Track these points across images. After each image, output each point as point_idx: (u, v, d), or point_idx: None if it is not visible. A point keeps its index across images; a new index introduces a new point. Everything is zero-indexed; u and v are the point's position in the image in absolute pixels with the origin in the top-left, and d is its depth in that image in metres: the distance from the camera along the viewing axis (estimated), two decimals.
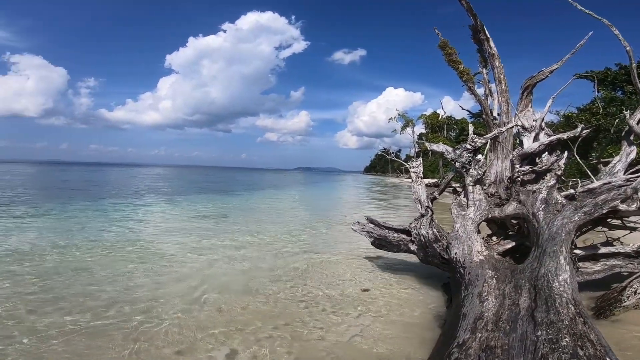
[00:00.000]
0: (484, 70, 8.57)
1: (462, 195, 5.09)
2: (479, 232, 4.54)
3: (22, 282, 4.65)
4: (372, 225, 5.65)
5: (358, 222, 5.94)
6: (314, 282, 5.04)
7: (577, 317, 2.43)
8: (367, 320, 3.74)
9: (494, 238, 5.02)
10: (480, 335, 2.44)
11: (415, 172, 5.40)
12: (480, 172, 4.96)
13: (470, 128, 5.83)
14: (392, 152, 66.49)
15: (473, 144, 5.06)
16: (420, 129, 70.59)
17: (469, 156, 5.02)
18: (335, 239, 8.46)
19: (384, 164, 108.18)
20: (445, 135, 61.37)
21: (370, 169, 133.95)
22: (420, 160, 5.71)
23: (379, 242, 5.55)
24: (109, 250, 6.59)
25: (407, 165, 6.16)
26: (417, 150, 67.72)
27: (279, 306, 4.10)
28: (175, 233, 8.67)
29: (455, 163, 5.16)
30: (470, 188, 4.88)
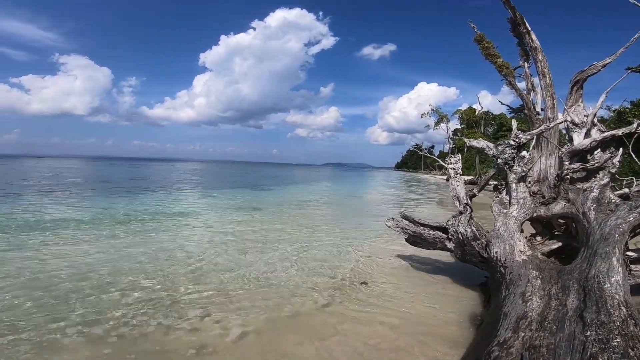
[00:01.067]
0: (526, 64, 8.16)
1: (504, 193, 4.94)
2: (521, 231, 4.39)
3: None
4: (406, 222, 5.62)
5: (392, 218, 5.93)
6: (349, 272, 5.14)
7: (628, 319, 2.34)
8: (397, 320, 3.71)
9: (538, 238, 4.83)
10: (523, 334, 2.42)
11: (454, 169, 5.30)
12: (525, 169, 4.78)
13: (514, 124, 5.60)
14: (425, 149, 64.80)
15: (517, 139, 4.87)
16: (455, 124, 68.07)
17: (512, 152, 4.85)
18: (366, 236, 8.51)
19: (415, 160, 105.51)
20: (482, 131, 58.59)
21: (402, 165, 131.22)
22: (459, 156, 5.58)
23: (414, 239, 5.52)
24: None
25: (444, 162, 6.06)
26: (451, 146, 65.37)
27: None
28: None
29: (497, 160, 5.01)
30: (513, 185, 4.72)
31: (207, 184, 26.64)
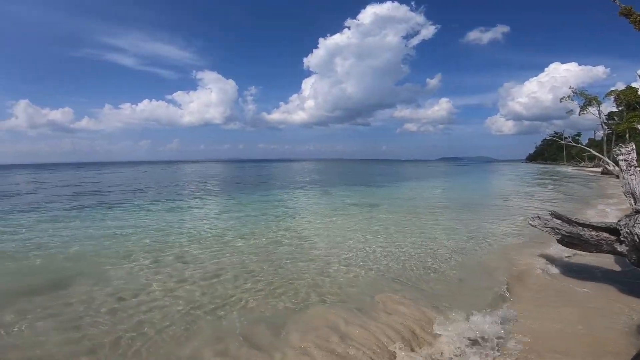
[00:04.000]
0: None
1: None
2: None
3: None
4: (558, 221, 5.07)
5: (538, 216, 5.41)
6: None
7: None
8: (553, 332, 3.43)
9: None
10: None
11: (626, 160, 4.51)
12: None
13: None
14: (568, 137, 53.59)
15: None
16: (608, 107, 54.24)
17: None
18: (505, 233, 7.87)
19: (555, 151, 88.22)
20: None
21: (536, 157, 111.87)
22: (632, 145, 4.71)
23: (569, 240, 4.94)
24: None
25: (596, 152, 5.18)
26: (606, 132, 52.41)
27: None
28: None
29: None
30: None
31: (326, 181, 28.57)
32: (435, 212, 11.19)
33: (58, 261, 5.98)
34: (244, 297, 4.33)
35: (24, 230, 8.49)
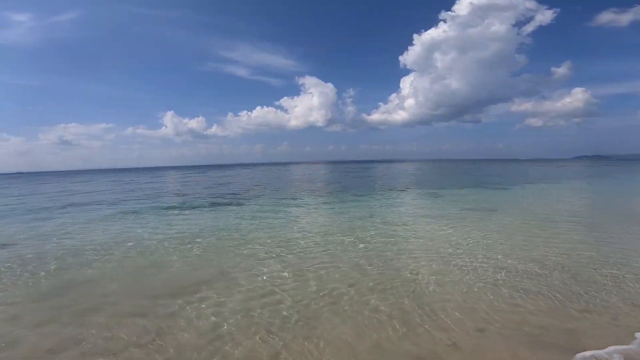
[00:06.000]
0: None
1: None
2: None
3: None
4: None
5: None
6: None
7: None
8: None
9: None
10: None
11: None
12: None
13: None
14: None
15: None
16: None
17: None
18: None
19: None
20: None
21: None
22: None
23: None
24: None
25: None
26: None
27: None
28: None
29: None
30: None
31: (433, 182, 27.29)
32: (577, 223, 9.65)
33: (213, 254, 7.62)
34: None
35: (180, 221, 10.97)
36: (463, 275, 5.43)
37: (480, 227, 8.82)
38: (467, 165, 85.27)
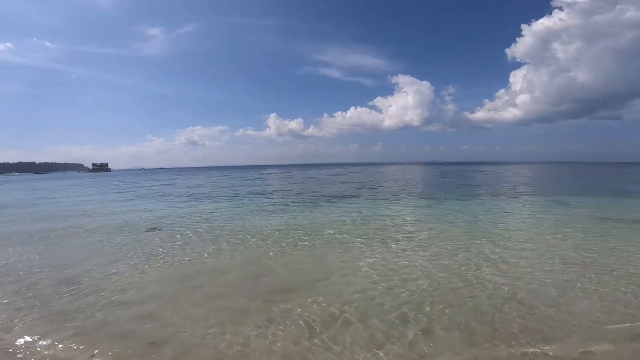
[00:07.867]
0: None
1: None
2: None
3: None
4: None
5: None
6: None
7: None
8: None
9: None
10: None
11: None
12: None
13: None
14: None
15: None
16: None
17: None
18: None
19: None
20: None
21: None
22: None
23: None
24: None
25: None
26: None
27: None
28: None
29: None
30: None
31: (558, 188, 23.54)
32: None
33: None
34: None
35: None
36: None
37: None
38: (599, 168, 69.65)
